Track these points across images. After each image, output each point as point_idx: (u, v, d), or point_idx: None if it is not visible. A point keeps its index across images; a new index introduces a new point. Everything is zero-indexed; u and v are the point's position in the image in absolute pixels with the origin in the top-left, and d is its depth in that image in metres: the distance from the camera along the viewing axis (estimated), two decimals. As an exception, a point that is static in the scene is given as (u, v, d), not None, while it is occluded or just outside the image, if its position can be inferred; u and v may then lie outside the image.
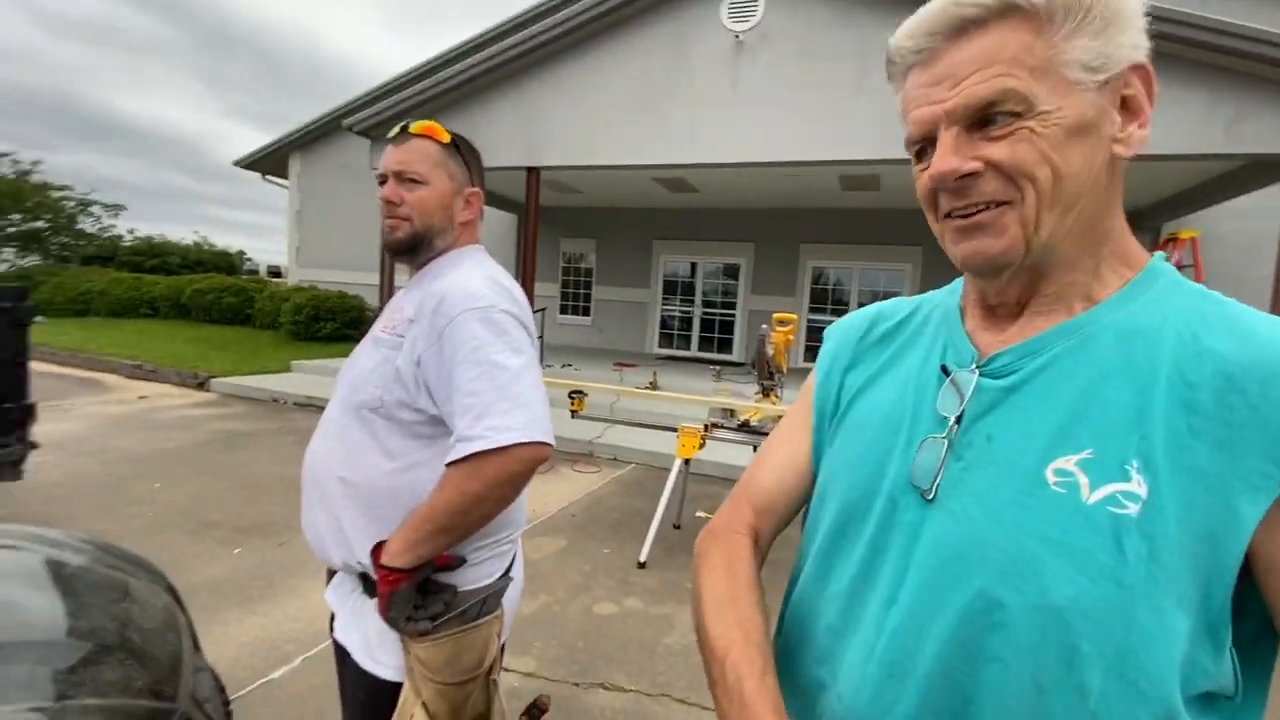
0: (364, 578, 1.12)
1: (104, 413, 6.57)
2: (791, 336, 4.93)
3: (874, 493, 0.60)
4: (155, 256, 17.74)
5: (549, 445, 1.03)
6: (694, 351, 12.44)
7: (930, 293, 0.71)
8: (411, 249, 1.17)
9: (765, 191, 10.31)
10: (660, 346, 12.76)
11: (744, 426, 4.27)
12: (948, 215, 0.55)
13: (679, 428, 3.97)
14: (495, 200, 11.68)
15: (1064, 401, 0.52)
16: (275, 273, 24.77)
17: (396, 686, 1.08)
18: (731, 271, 12.29)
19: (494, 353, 1.02)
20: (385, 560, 1.02)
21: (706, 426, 4.04)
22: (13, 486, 3.45)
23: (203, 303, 13.21)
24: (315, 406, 7.50)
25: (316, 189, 14.69)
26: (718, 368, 9.96)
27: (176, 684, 1.16)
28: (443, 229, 1.17)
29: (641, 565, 3.65)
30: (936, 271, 10.16)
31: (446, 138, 1.16)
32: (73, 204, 17.69)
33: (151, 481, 4.57)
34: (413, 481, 1.07)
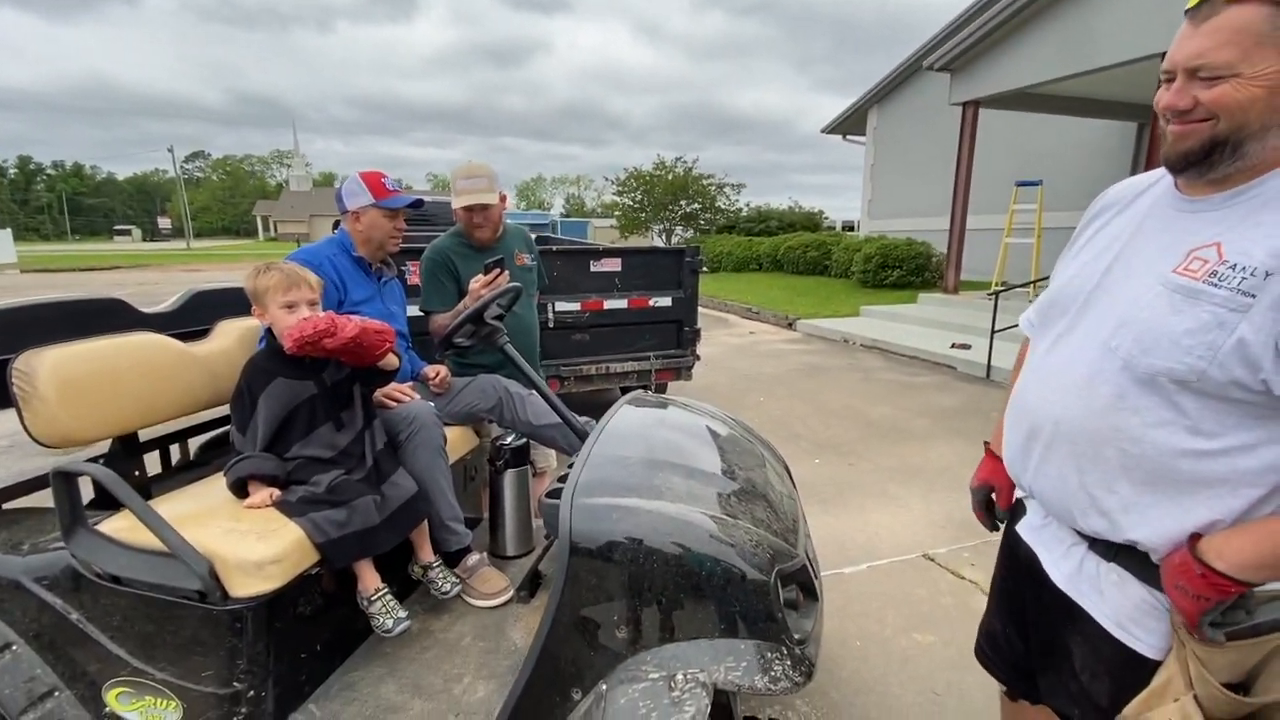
0: (1101, 544, 1.01)
1: (728, 342, 8.74)
2: None
3: None
4: (761, 222, 22.24)
5: None
6: None
7: None
8: (1205, 158, 0.87)
9: None
10: None
11: None
12: None
13: None
14: (1101, 107, 9.40)
15: None
16: (849, 227, 27.13)
17: (1145, 660, 0.97)
18: None
19: None
20: (1224, 566, 0.84)
21: None
22: (683, 384, 5.03)
23: (792, 257, 15.70)
24: (879, 349, 7.97)
25: (891, 139, 15.09)
26: None
27: (797, 538, 1.48)
28: (1265, 126, 0.83)
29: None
30: None
31: None
32: (713, 188, 23.95)
33: (757, 395, 5.85)
34: (1231, 469, 0.87)
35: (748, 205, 25.19)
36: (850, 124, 16.71)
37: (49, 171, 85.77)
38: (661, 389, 5.06)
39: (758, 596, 1.21)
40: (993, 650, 1.32)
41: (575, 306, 4.06)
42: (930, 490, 3.75)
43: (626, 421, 1.69)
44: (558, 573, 1.20)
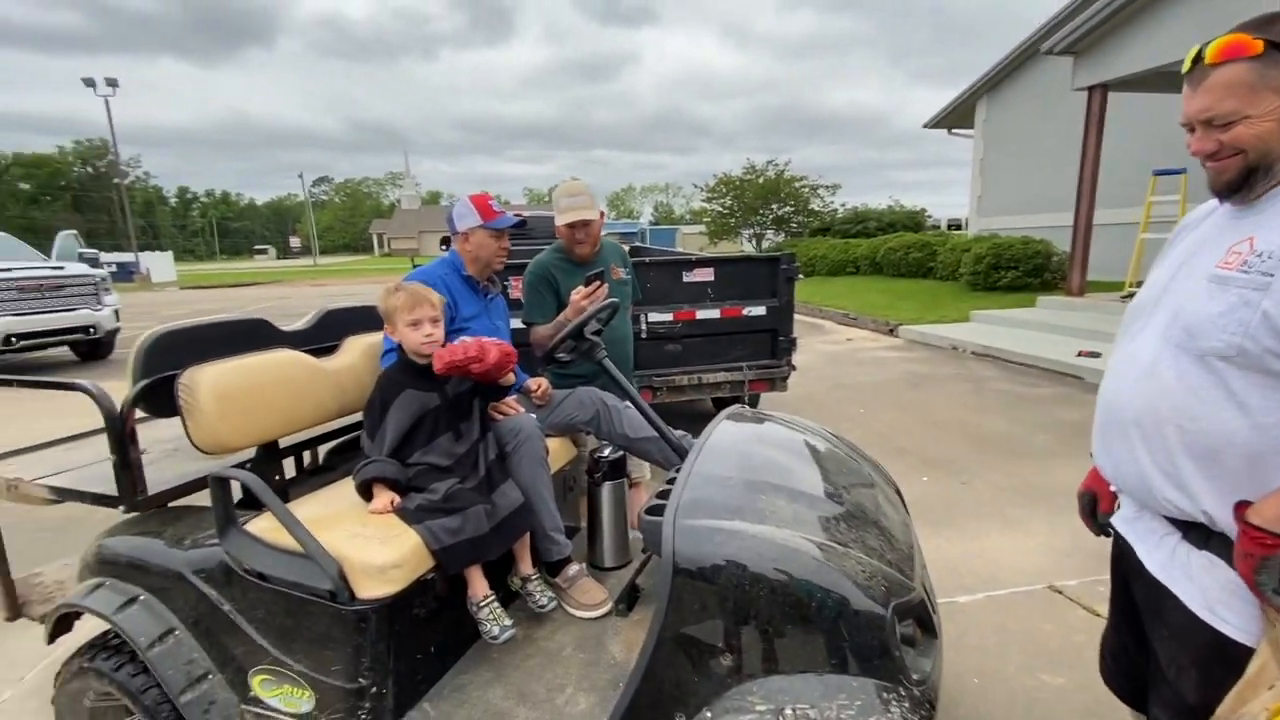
0: (1188, 525, 1.08)
1: (823, 350, 8.44)
2: None
3: None
4: (859, 223, 21.31)
5: None
6: None
7: None
8: (1245, 183, 1.03)
9: None
10: None
11: None
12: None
13: None
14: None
15: None
16: (954, 225, 25.47)
17: (1238, 645, 1.01)
18: None
19: None
20: (1259, 521, 0.95)
21: None
22: (777, 395, 4.91)
23: (893, 259, 14.94)
24: (992, 357, 7.40)
25: (1002, 131, 14.06)
26: None
27: (913, 569, 1.39)
28: None
29: None
30: None
31: (1258, 47, 0.95)
32: (806, 190, 23.28)
33: (857, 406, 5.60)
34: (1277, 440, 0.97)
35: (843, 206, 24.28)
36: (956, 117, 15.72)
37: (202, 200, 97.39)
38: (754, 400, 4.97)
39: (872, 631, 1.14)
40: (1113, 661, 1.37)
41: (668, 317, 4.07)
42: (1055, 514, 3.42)
43: (726, 438, 1.66)
44: (660, 593, 1.19)
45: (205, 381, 1.60)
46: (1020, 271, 11.02)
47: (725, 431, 1.70)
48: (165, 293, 23.76)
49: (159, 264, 30.11)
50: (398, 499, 1.67)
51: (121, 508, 1.65)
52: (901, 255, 14.73)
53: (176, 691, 1.51)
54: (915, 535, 1.58)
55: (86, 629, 1.83)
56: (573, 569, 1.97)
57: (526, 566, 1.89)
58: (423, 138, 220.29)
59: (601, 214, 2.56)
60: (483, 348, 1.72)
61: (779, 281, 4.11)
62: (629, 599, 1.90)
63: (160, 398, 1.65)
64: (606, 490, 2.16)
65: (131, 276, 26.71)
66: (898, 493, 1.79)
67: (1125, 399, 1.13)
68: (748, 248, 24.32)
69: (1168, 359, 1.06)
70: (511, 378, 1.94)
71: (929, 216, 27.08)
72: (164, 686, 1.52)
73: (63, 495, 1.75)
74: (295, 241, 77.20)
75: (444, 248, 10.38)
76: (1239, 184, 1.03)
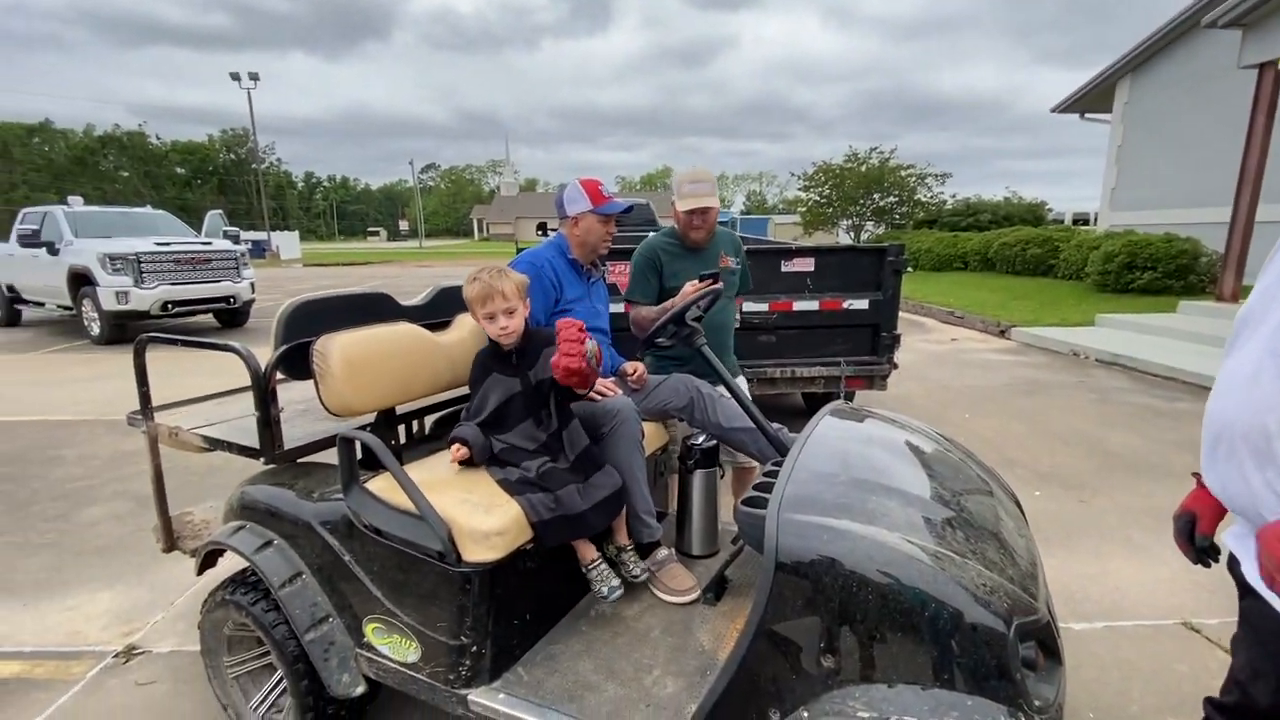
0: None
1: (925, 349, 7.97)
2: None
3: None
4: (970, 215, 19.87)
5: None
6: None
7: None
8: None
9: None
10: None
11: None
12: None
13: None
14: None
15: None
16: (1079, 220, 23.19)
17: None
18: None
19: None
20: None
21: None
22: (874, 394, 4.69)
23: (1007, 255, 13.85)
24: (1122, 366, 6.71)
25: (1147, 115, 12.62)
26: None
27: (1037, 588, 1.29)
28: None
29: None
30: None
31: None
32: (913, 179, 21.94)
33: (961, 411, 5.25)
34: None
35: (953, 197, 22.74)
36: (1091, 100, 14.27)
37: (325, 184, 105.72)
38: (849, 397, 4.78)
39: (991, 650, 1.06)
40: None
41: (763, 307, 3.97)
42: (1194, 544, 3.06)
43: (831, 434, 1.60)
44: (760, 587, 1.17)
45: (336, 349, 1.73)
46: (1159, 273, 9.90)
47: (830, 426, 1.63)
48: (291, 269, 26.03)
49: (287, 243, 33.02)
50: (466, 452, 1.77)
51: (261, 460, 1.82)
52: (1018, 251, 13.65)
53: (302, 629, 1.66)
54: (1038, 552, 1.46)
55: (227, 566, 2.04)
56: (662, 553, 1.98)
57: (622, 537, 1.93)
58: (522, 126, 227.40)
59: (720, 202, 2.55)
60: (593, 372, 1.76)
61: (884, 274, 3.90)
62: (717, 589, 1.89)
63: (297, 362, 1.80)
64: (698, 478, 2.15)
65: (264, 253, 29.49)
66: (1017, 505, 1.66)
67: (1231, 414, 1.08)
68: (844, 239, 23.34)
69: (1270, 370, 1.01)
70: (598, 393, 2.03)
71: (1049, 210, 24.86)
72: (291, 624, 1.67)
73: (213, 444, 1.96)
74: (403, 225, 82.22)
75: (540, 233, 10.72)
76: None
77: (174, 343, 1.98)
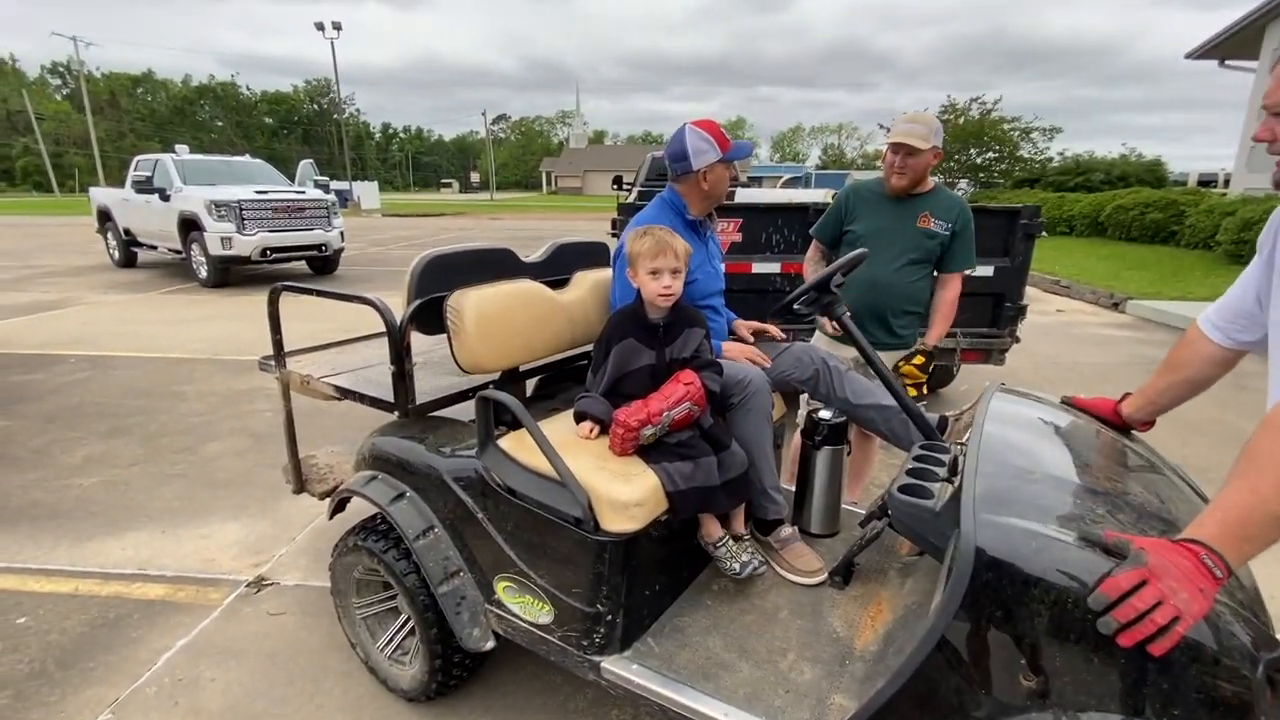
0: None
1: (1027, 322, 7.41)
2: None
3: None
4: (1079, 174, 18.13)
5: None
6: None
7: None
8: None
9: None
10: None
11: None
12: None
13: None
14: None
15: None
16: (1205, 181, 20.85)
17: None
18: None
19: None
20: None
21: None
22: (985, 369, 4.38)
23: (1122, 220, 12.63)
24: (1260, 348, 6.03)
25: (1308, 62, 11.01)
26: None
27: (1265, 612, 1.13)
28: None
29: None
30: None
31: None
32: (1017, 133, 20.14)
33: (1075, 390, 4.83)
34: None
35: (1061, 154, 20.81)
36: (1234, 45, 12.60)
37: (400, 135, 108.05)
38: (945, 374, 4.50)
39: (1231, 687, 0.92)
40: None
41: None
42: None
43: (1007, 420, 1.44)
44: (951, 593, 1.05)
45: (469, 304, 1.70)
46: (1309, 244, 8.78)
47: (1001, 412, 1.48)
48: (372, 219, 26.92)
49: (368, 193, 34.05)
50: (597, 429, 1.70)
51: (396, 413, 1.83)
52: (1135, 216, 12.44)
53: (436, 582, 1.68)
54: (1251, 571, 1.28)
55: (354, 510, 2.10)
56: (785, 530, 1.90)
57: (739, 526, 1.84)
58: (590, 75, 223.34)
59: (938, 154, 2.29)
60: (632, 430, 1.59)
61: (1015, 238, 3.55)
62: (845, 572, 1.79)
63: (428, 316, 1.78)
64: (823, 455, 2.04)
65: (346, 203, 30.53)
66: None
67: None
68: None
69: None
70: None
71: (1170, 171, 22.46)
72: (425, 575, 1.69)
73: (345, 394, 1.99)
74: (475, 177, 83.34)
75: (615, 188, 10.43)
76: None
77: (309, 292, 2.00)
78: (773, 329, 2.23)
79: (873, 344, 1.93)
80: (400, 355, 1.74)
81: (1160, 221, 11.87)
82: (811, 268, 2.65)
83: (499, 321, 1.76)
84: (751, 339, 2.22)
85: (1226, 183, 13.54)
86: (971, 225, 2.39)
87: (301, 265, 10.68)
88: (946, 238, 2.38)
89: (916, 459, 1.49)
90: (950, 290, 2.47)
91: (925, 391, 2.37)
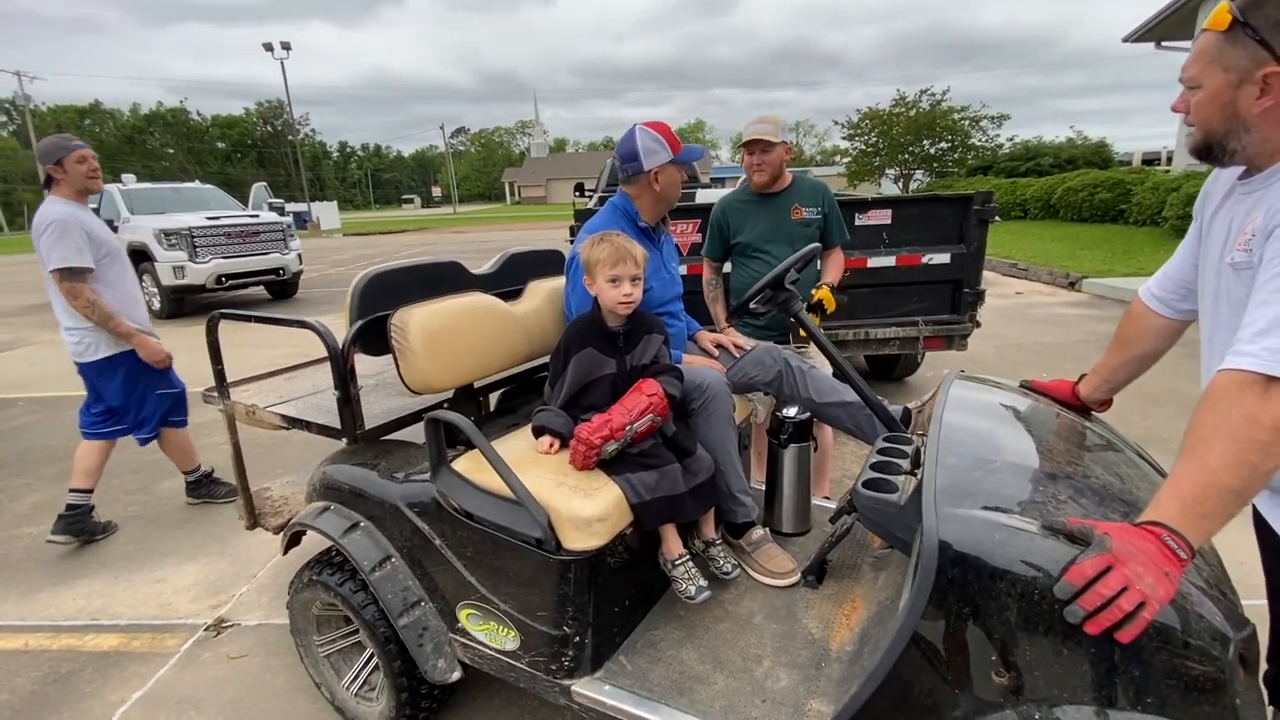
0: None
1: (989, 304, 7.55)
2: None
3: None
4: (1030, 160, 18.62)
5: None
6: None
7: None
8: (1206, 154, 1.11)
9: None
10: None
11: None
12: None
13: None
14: None
15: None
16: (1149, 160, 21.62)
17: None
18: None
19: None
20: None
21: None
22: (949, 355, 4.43)
23: (1073, 201, 12.99)
24: (1210, 318, 6.23)
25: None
26: None
27: (1233, 590, 1.12)
28: (1229, 130, 1.05)
29: None
30: None
31: (1224, 22, 0.98)
32: (967, 123, 20.62)
33: (1036, 370, 4.95)
34: None
35: (1010, 141, 21.37)
36: (1170, 26, 13.08)
37: (359, 153, 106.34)
38: (911, 361, 4.54)
39: (1203, 668, 0.91)
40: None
41: (832, 265, 3.73)
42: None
43: (967, 408, 1.43)
44: (918, 590, 1.03)
45: (415, 322, 1.63)
46: (1249, 215, 9.13)
47: (961, 401, 1.46)
48: (332, 239, 26.40)
49: (327, 213, 33.44)
50: (557, 444, 1.64)
51: (344, 440, 1.75)
52: (1085, 197, 12.82)
53: (396, 614, 1.60)
54: (1215, 547, 1.28)
55: (311, 543, 2.01)
56: (757, 533, 1.86)
57: (710, 530, 1.80)
58: (544, 84, 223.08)
59: (788, 148, 2.41)
60: (597, 443, 1.52)
61: (969, 225, 3.59)
62: (819, 571, 1.77)
63: (372, 336, 1.71)
64: (790, 454, 2.01)
65: (305, 225, 29.92)
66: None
67: None
68: (891, 190, 22.30)
69: None
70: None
71: (1116, 152, 23.22)
72: (384, 608, 1.62)
73: (292, 423, 1.90)
74: (436, 191, 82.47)
75: (578, 194, 10.35)
76: (1203, 154, 1.11)
77: (247, 319, 1.91)
78: (736, 341, 2.20)
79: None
80: (344, 379, 1.66)
81: (1109, 201, 12.24)
82: (711, 290, 2.72)
83: (447, 338, 1.69)
84: (716, 351, 2.19)
85: (1169, 160, 14.03)
86: (836, 203, 2.60)
87: (260, 291, 10.39)
88: (820, 220, 2.56)
89: (880, 452, 1.47)
90: (835, 258, 2.64)
91: (830, 311, 2.39)
